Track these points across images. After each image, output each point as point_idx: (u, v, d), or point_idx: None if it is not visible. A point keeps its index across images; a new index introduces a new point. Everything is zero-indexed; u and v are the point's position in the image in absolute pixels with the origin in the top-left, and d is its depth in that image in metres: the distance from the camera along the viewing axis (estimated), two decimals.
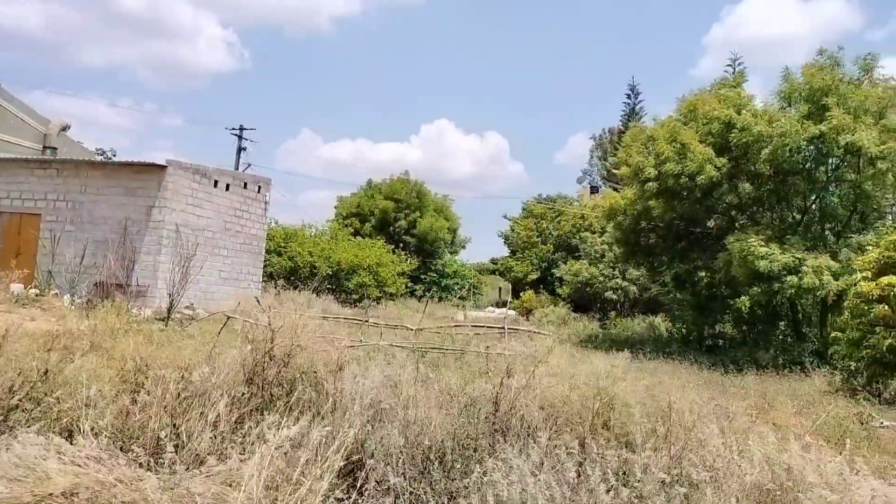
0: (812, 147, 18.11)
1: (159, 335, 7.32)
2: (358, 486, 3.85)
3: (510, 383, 4.84)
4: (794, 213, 20.57)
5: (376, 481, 3.82)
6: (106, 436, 4.01)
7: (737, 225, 21.43)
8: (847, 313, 15.54)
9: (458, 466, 4.00)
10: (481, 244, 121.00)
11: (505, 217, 49.69)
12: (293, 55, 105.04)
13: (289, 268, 33.23)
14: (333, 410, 4.67)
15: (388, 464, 3.89)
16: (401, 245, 41.77)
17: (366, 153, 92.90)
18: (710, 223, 21.29)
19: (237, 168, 36.45)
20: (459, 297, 45.06)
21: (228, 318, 8.23)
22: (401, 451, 3.95)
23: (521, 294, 34.90)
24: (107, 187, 20.29)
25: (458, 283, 47.88)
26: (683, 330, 24.70)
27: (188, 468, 3.87)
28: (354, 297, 32.75)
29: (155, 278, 19.65)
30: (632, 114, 47.91)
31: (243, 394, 4.82)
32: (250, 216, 23.96)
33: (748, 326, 22.26)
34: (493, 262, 57.27)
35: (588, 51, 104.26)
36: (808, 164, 18.88)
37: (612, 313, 29.64)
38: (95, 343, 6.22)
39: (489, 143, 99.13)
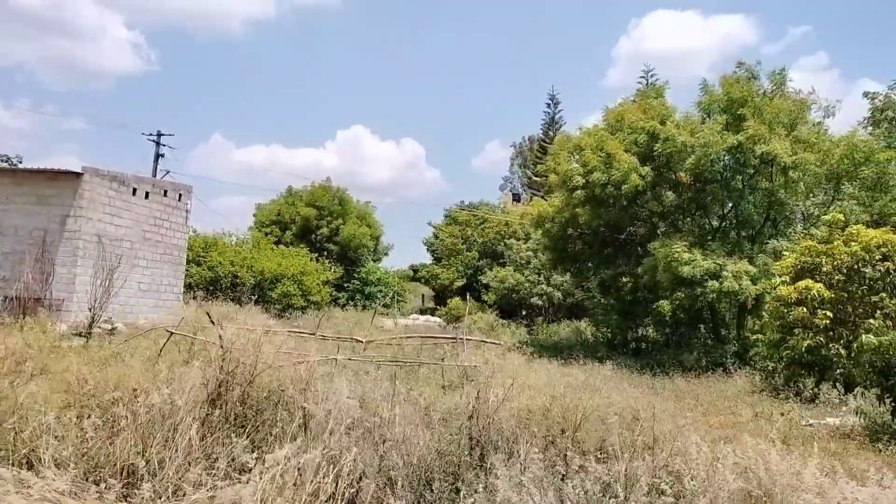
0: (729, 157, 18.91)
1: (99, 354, 6.87)
2: None
3: (487, 397, 4.78)
4: (712, 221, 21.45)
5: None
6: (72, 466, 3.70)
7: (658, 232, 22.18)
8: (766, 316, 16.31)
9: (447, 485, 3.91)
10: (400, 251, 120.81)
11: (429, 224, 49.81)
12: (203, 58, 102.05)
13: (209, 278, 32.16)
14: (304, 430, 4.49)
15: (387, 485, 3.76)
16: (324, 253, 41.20)
17: (281, 158, 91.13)
18: (634, 230, 21.92)
19: (155, 175, 35.06)
20: (383, 305, 44.81)
21: (171, 333, 7.82)
22: (397, 473, 3.82)
23: (449, 301, 34.93)
24: (17, 195, 19.09)
25: (381, 291, 47.63)
26: (608, 334, 25.37)
27: (164, 498, 3.62)
28: (278, 306, 32.04)
29: (71, 291, 18.61)
30: (552, 123, 48.92)
31: (208, 415, 4.57)
32: (171, 225, 23.06)
33: (670, 329, 23.03)
34: (413, 269, 57.28)
35: (500, 59, 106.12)
36: (726, 174, 19.71)
37: (539, 319, 30.09)
38: (40, 364, 5.76)
39: (405, 150, 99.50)
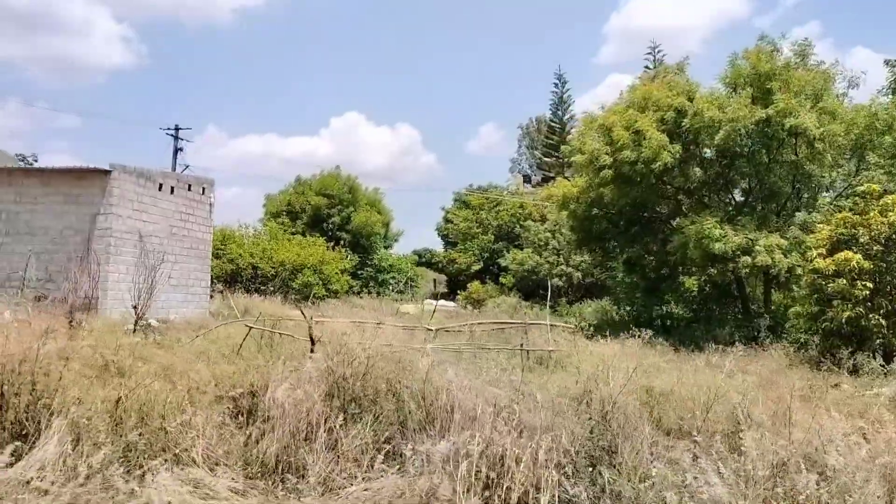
0: (757, 130, 18.82)
1: (187, 349, 6.90)
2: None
3: (598, 380, 4.82)
4: (738, 196, 21.43)
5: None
6: (224, 464, 3.76)
7: (683, 208, 22.17)
8: (802, 289, 16.34)
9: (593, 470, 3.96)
10: (405, 236, 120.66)
11: (443, 209, 49.75)
12: (194, 49, 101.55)
13: (229, 271, 32.31)
14: (431, 421, 4.54)
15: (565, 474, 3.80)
16: (338, 241, 41.25)
17: (275, 148, 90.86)
18: (660, 207, 21.91)
19: (174, 169, 35.08)
20: (398, 292, 44.94)
21: (250, 328, 7.81)
22: (551, 459, 3.87)
23: (469, 285, 35.03)
24: (44, 195, 19.10)
25: (394, 278, 47.75)
26: (633, 312, 25.42)
27: (319, 492, 3.68)
28: (298, 296, 32.13)
29: (105, 289, 18.66)
30: (560, 102, 48.76)
31: (331, 409, 4.61)
32: (196, 219, 23.08)
33: (697, 306, 23.09)
34: (417, 253, 57.08)
35: (492, 41, 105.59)
36: (753, 147, 19.63)
37: (563, 299, 30.16)
38: (136, 362, 5.79)
39: (401, 135, 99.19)
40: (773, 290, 21.52)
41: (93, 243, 18.90)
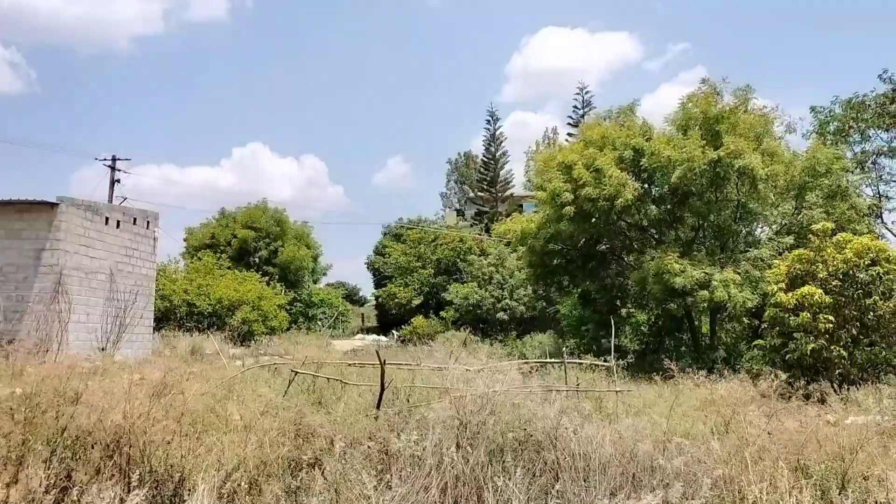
0: (709, 170, 19.68)
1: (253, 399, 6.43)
2: None
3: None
4: (688, 231, 22.29)
5: None
6: None
7: (634, 244, 22.90)
8: (766, 322, 17.07)
9: None
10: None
11: (382, 244, 49.30)
12: (88, 77, 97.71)
13: (162, 308, 30.84)
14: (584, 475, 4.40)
15: None
16: (265, 276, 40.20)
17: (173, 178, 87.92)
18: (615, 243, 22.52)
19: (111, 201, 33.38)
20: (329, 326, 44.17)
21: (296, 372, 7.32)
22: None
23: (413, 320, 34.79)
24: None
25: (324, 313, 46.97)
26: (583, 344, 25.90)
27: None
28: (237, 333, 31.02)
29: (51, 330, 17.42)
30: (493, 139, 49.70)
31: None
32: (141, 255, 21.99)
33: (649, 338, 23.79)
34: (334, 286, 55.87)
35: (397, 74, 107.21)
36: (703, 186, 20.50)
37: (513, 332, 30.38)
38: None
39: (307, 166, 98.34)
40: (717, 323, 22.45)
41: (36, 281, 17.68)
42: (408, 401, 6.19)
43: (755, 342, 17.42)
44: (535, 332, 31.55)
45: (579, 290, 23.66)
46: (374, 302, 65.26)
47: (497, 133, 49.59)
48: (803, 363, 15.89)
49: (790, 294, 16.17)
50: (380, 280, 53.00)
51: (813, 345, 15.42)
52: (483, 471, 4.18)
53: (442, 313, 36.16)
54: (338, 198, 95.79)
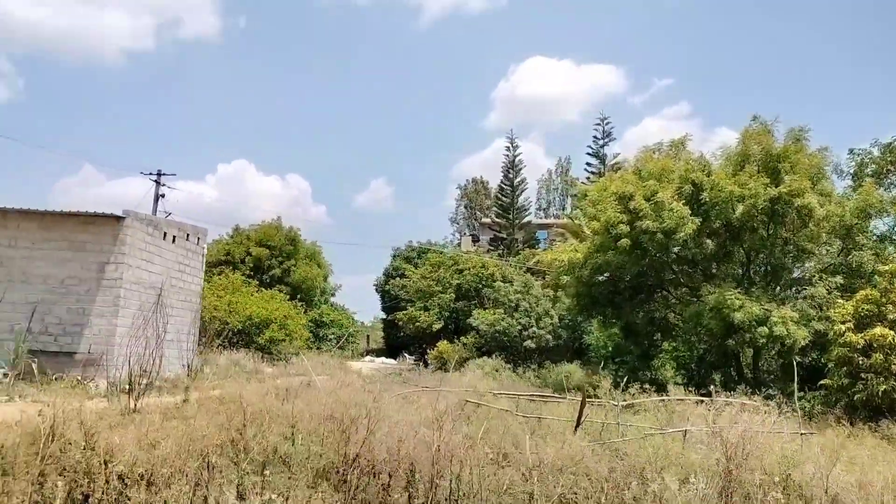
0: (768, 207, 19.84)
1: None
2: None
3: None
4: (736, 267, 22.43)
5: None
6: None
7: (682, 279, 23.00)
8: (832, 361, 17.13)
9: None
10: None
11: (394, 267, 49.27)
12: (75, 87, 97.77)
13: None
14: None
15: None
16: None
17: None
18: (665, 276, 22.60)
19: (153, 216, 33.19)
20: (339, 347, 43.96)
21: (478, 403, 7.17)
22: None
23: (438, 344, 34.61)
24: (45, 241, 17.55)
25: (334, 333, 46.83)
26: (620, 374, 25.90)
27: None
28: (267, 351, 30.74)
29: (111, 344, 17.18)
30: (512, 166, 49.89)
31: None
32: (191, 270, 21.85)
33: (693, 371, 23.79)
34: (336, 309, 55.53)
35: (384, 98, 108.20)
36: (759, 223, 20.65)
37: (546, 361, 30.26)
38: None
39: (291, 186, 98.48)
40: (760, 359, 22.54)
41: (98, 294, 17.49)
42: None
43: (821, 381, 17.43)
44: (558, 361, 31.45)
45: (623, 321, 23.67)
46: (382, 324, 65.13)
47: (515, 160, 49.89)
48: (872, 403, 15.96)
49: (859, 334, 16.28)
50: (390, 302, 52.83)
51: (885, 386, 15.50)
52: None
53: (463, 339, 36.00)
54: (320, 217, 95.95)
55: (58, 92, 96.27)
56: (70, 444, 3.90)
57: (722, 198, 19.49)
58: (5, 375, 15.87)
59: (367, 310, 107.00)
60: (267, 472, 4.05)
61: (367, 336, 67.86)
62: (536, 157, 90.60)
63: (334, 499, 4.00)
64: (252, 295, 34.15)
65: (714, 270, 21.78)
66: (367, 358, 50.07)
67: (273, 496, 3.65)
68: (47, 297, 17.32)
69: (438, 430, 4.46)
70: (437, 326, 38.20)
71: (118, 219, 17.68)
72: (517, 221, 48.82)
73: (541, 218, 59.58)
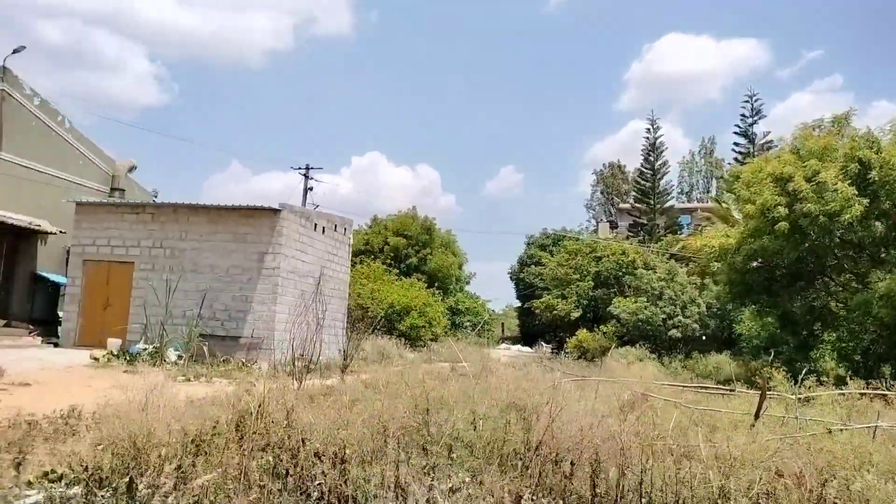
0: None
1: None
2: None
3: None
4: None
5: None
6: None
7: (845, 265, 21.35)
8: None
9: None
10: None
11: (528, 255, 49.16)
12: (223, 88, 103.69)
13: None
14: None
15: None
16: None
17: (296, 185, 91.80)
18: (826, 262, 21.07)
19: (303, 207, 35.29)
20: (476, 334, 44.23)
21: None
22: None
23: (578, 333, 34.17)
24: (211, 233, 18.96)
25: (470, 320, 47.21)
26: (775, 368, 24.48)
27: None
28: (408, 338, 31.57)
29: (271, 329, 18.31)
30: (652, 148, 48.13)
31: None
32: (339, 259, 22.84)
33: (859, 363, 22.08)
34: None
35: (511, 83, 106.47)
36: None
37: (695, 352, 29.17)
38: None
39: (421, 176, 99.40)
40: None
41: (259, 283, 18.63)
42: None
43: None
44: (705, 351, 30.12)
45: (780, 310, 22.28)
46: (515, 312, 65.20)
47: (657, 142, 48.08)
48: None
49: None
50: (524, 290, 52.66)
51: None
52: None
53: (602, 327, 35.29)
54: (449, 206, 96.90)
55: (208, 93, 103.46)
56: (273, 422, 4.19)
57: (893, 176, 17.85)
58: (180, 357, 17.31)
59: (497, 297, 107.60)
60: (454, 455, 4.14)
61: (503, 324, 68.16)
62: (675, 139, 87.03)
63: (522, 484, 4.01)
64: (393, 283, 35.23)
65: (883, 255, 19.99)
66: (503, 346, 50.27)
67: (466, 478, 3.73)
68: (214, 285, 18.67)
69: (623, 420, 4.37)
70: (575, 315, 37.66)
71: (275, 211, 18.75)
72: (658, 206, 47.11)
73: (683, 202, 57.18)
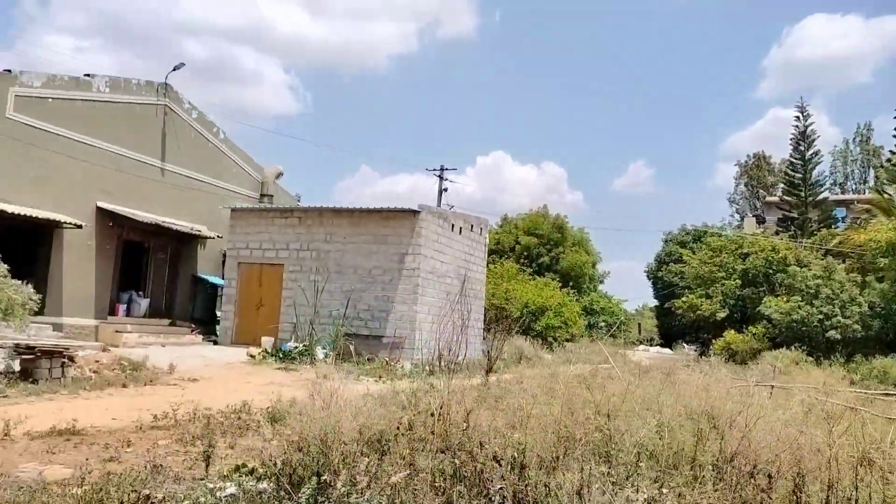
0: None
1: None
2: None
3: None
4: None
5: None
6: None
7: None
8: None
9: None
10: None
11: (667, 252, 47.40)
12: (350, 94, 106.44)
13: None
14: None
15: None
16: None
17: (421, 186, 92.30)
18: None
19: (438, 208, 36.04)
20: (610, 335, 42.93)
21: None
22: None
23: (725, 334, 32.38)
24: (354, 235, 19.52)
25: (605, 321, 45.95)
26: None
27: None
28: (543, 338, 31.15)
29: (413, 329, 18.59)
30: (802, 136, 44.82)
31: None
32: (476, 260, 22.88)
33: None
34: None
35: (641, 76, 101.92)
36: None
37: (857, 355, 26.90)
38: None
39: (546, 173, 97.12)
40: None
41: (400, 283, 18.95)
42: None
43: None
44: (868, 354, 27.58)
45: None
46: (653, 312, 62.97)
47: (807, 130, 44.68)
48: None
49: None
50: (663, 290, 50.72)
51: None
52: None
53: (751, 328, 33.21)
54: (577, 203, 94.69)
55: (337, 100, 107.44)
56: (451, 424, 4.10)
57: None
58: (327, 356, 17.92)
59: (630, 296, 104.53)
60: (642, 465, 3.87)
61: (639, 324, 66.02)
62: (822, 127, 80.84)
63: (717, 497, 3.68)
64: (527, 283, 34.97)
65: None
66: (641, 347, 48.66)
67: (664, 490, 3.46)
68: (357, 285, 19.20)
69: (829, 432, 3.92)
70: (720, 315, 35.65)
71: (414, 213, 19.03)
72: (810, 199, 43.73)
73: (837, 194, 52.94)
